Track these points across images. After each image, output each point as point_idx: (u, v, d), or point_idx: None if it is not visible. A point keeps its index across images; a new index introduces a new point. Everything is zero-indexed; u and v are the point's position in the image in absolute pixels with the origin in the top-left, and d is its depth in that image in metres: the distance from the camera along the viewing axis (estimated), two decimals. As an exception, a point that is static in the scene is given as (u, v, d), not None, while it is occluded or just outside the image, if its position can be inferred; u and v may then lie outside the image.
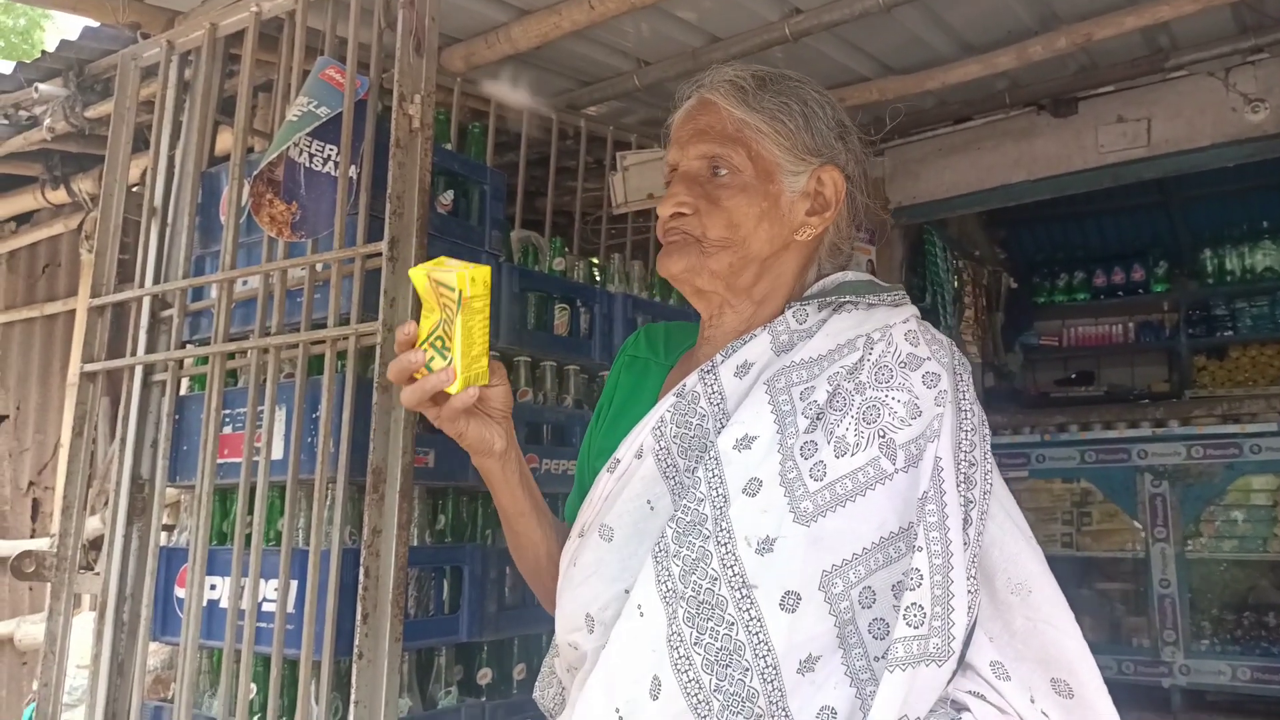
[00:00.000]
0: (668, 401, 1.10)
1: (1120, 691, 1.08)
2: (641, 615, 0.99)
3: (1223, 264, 5.87)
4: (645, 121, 3.48)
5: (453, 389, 0.99)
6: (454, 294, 0.96)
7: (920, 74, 3.13)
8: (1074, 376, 6.11)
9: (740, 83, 1.13)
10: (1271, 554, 3.88)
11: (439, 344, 0.99)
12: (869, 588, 0.97)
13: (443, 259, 1.00)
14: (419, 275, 0.99)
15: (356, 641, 1.72)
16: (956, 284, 4.60)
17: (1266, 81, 3.33)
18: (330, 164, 1.93)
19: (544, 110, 3.08)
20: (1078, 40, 2.85)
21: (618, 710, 0.97)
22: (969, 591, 0.96)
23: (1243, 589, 4.05)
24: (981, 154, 3.81)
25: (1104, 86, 3.53)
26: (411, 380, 1.01)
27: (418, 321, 1.01)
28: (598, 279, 2.99)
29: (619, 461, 1.11)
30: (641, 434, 1.10)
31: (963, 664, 0.99)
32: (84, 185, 3.74)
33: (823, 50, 3.02)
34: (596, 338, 2.66)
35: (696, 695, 0.95)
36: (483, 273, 0.97)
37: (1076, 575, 4.14)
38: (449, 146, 2.47)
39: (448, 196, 2.20)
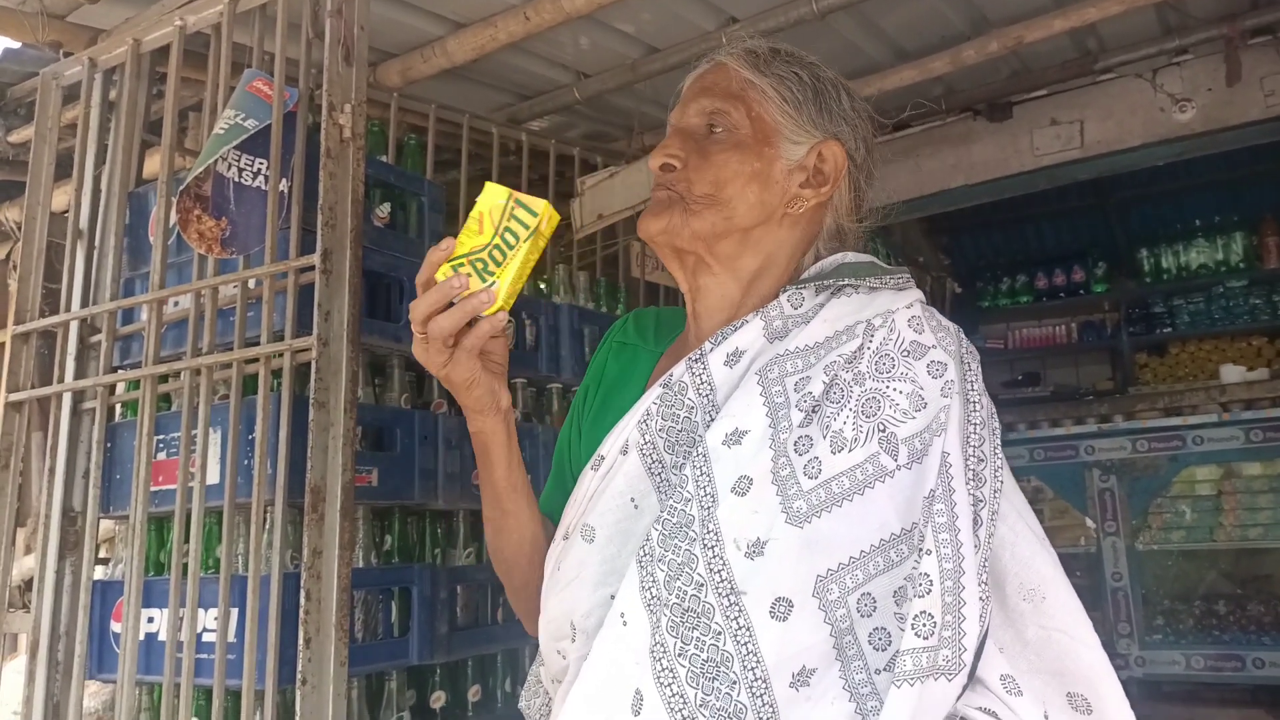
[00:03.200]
0: (654, 393, 1.03)
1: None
2: (625, 624, 0.92)
3: (1159, 263, 6.02)
4: (588, 135, 3.47)
5: (489, 310, 0.93)
6: (532, 221, 0.94)
7: (856, 81, 3.16)
8: (1020, 378, 6.20)
9: (755, 49, 1.10)
10: (1219, 543, 3.95)
11: (480, 265, 0.94)
12: (868, 594, 0.89)
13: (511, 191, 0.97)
14: (498, 192, 0.96)
15: (300, 667, 1.66)
16: (902, 290, 4.64)
17: (1192, 81, 3.42)
18: (260, 177, 1.89)
19: (484, 125, 3.06)
20: (1009, 44, 2.90)
21: None
22: (980, 599, 0.89)
23: (1193, 579, 4.12)
24: (920, 160, 3.85)
25: (1037, 90, 3.59)
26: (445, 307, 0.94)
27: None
28: (544, 291, 2.96)
29: (603, 458, 1.04)
30: (627, 428, 1.03)
31: (973, 678, 0.91)
32: (10, 214, 3.63)
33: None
34: (543, 350, 2.63)
35: (681, 711, 0.88)
36: (555, 218, 0.96)
37: (1031, 573, 4.18)
38: (386, 160, 2.44)
39: (384, 209, 2.16)
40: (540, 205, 0.95)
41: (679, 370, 1.03)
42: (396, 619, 2.11)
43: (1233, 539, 3.91)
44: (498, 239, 0.95)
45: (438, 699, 2.22)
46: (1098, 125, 3.58)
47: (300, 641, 1.67)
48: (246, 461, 1.87)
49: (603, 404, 1.17)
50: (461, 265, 0.94)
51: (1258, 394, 4.11)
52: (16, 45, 2.62)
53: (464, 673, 2.31)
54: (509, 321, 0.98)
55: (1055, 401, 5.06)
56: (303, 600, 1.68)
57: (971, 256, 6.51)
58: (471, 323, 0.95)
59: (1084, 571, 4.11)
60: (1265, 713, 3.79)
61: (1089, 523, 4.08)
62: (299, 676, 1.66)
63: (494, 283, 0.93)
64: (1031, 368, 6.46)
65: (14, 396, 2.22)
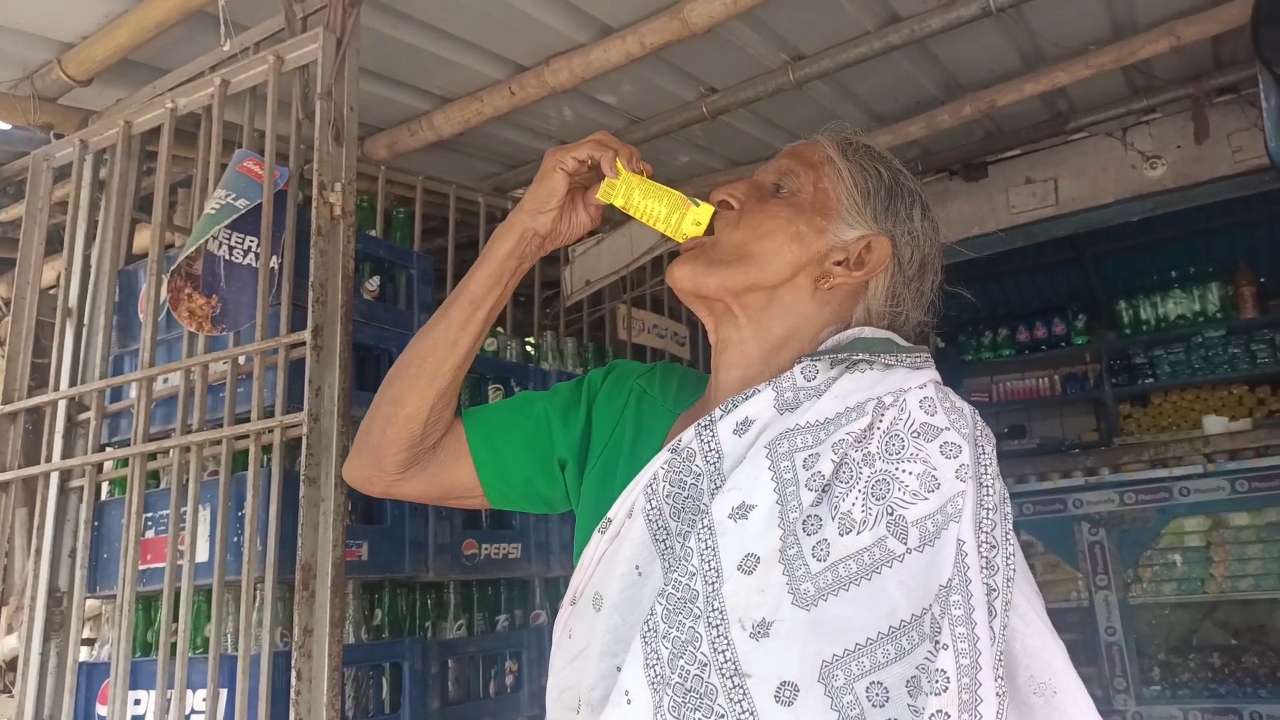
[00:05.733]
0: (662, 457, 1.03)
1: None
2: (629, 702, 0.90)
3: (1138, 314, 6.10)
4: (572, 201, 3.51)
5: (607, 178, 1.10)
6: (691, 202, 1.11)
7: (835, 145, 3.23)
8: (1006, 431, 6.24)
9: (851, 139, 1.17)
10: (1210, 595, 3.95)
11: (649, 179, 1.12)
12: (879, 683, 0.87)
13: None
14: (704, 212, 1.13)
15: (291, 750, 1.64)
16: (886, 346, 4.68)
17: (1161, 139, 3.51)
18: (251, 255, 1.91)
19: (471, 195, 3.10)
20: (982, 107, 2.98)
21: None
22: (997, 695, 0.87)
23: (1186, 631, 4.11)
24: (900, 219, 3.91)
25: (1011, 150, 3.68)
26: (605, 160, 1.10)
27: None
28: (532, 357, 2.98)
29: (610, 522, 1.03)
30: (634, 492, 1.03)
31: None
32: (-3, 290, 3.63)
33: (739, 127, 3.11)
34: (532, 417, 2.64)
35: None
36: (699, 230, 1.12)
37: (1025, 628, 4.15)
38: (374, 233, 2.46)
39: (374, 283, 2.18)
40: (703, 204, 1.12)
41: (688, 436, 1.03)
42: (388, 695, 2.08)
43: (1224, 590, 3.91)
44: (672, 197, 1.12)
45: (430, 776, 2.18)
46: (1071, 183, 3.66)
47: (291, 723, 1.64)
48: (236, 539, 1.86)
49: (614, 452, 1.16)
50: (644, 174, 1.12)
51: (1241, 444, 4.14)
52: (7, 127, 2.65)
53: (456, 748, 2.27)
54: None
55: (1042, 455, 5.08)
56: (294, 680, 1.66)
57: (953, 310, 6.57)
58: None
59: (1077, 626, 4.09)
60: (1265, 766, 3.76)
61: (1079, 575, 4.07)
62: (290, 759, 1.64)
63: (625, 178, 1.10)
64: (1017, 420, 6.51)
65: (1, 476, 2.21)
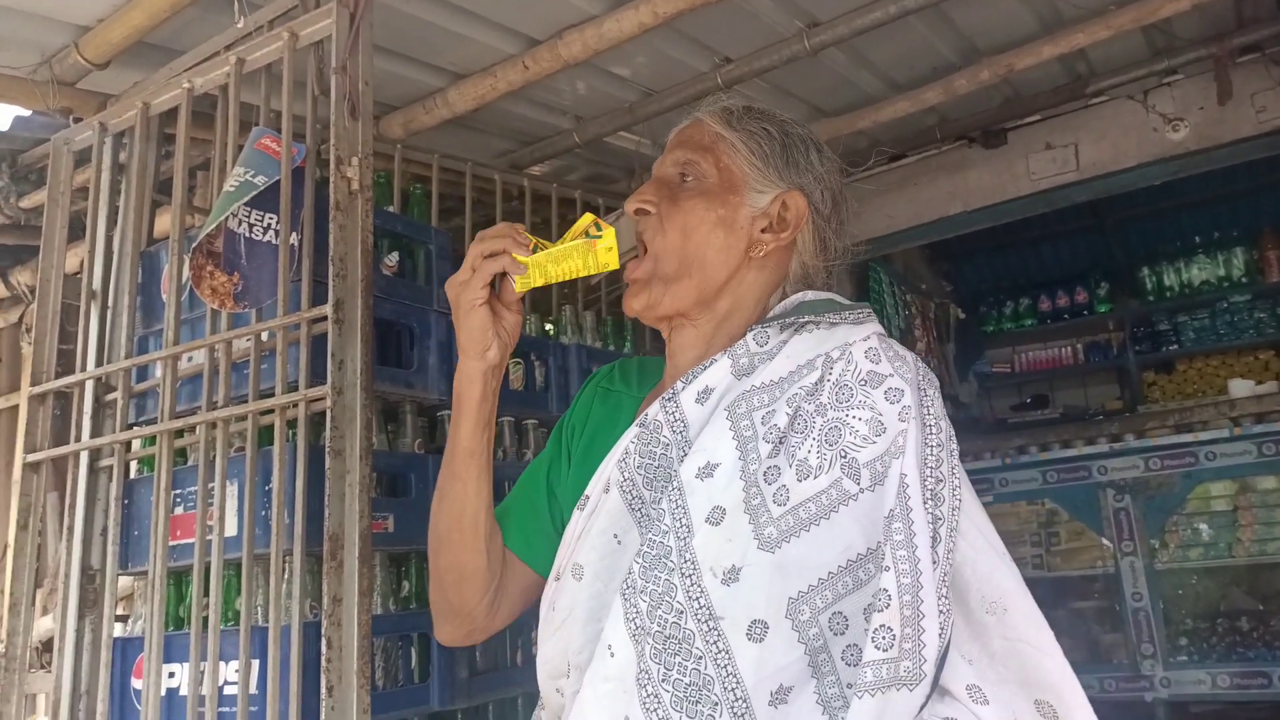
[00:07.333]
0: (631, 432, 1.10)
1: (1104, 710, 1.05)
2: (612, 655, 0.97)
3: (1161, 280, 6.03)
4: (588, 178, 3.51)
5: (520, 277, 1.09)
6: (597, 237, 1.09)
7: (851, 114, 3.21)
8: (1029, 400, 6.20)
9: (730, 107, 1.21)
10: (1238, 559, 3.93)
11: (543, 242, 1.10)
12: (839, 613, 0.94)
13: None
14: (585, 217, 1.11)
15: (322, 717, 1.66)
16: (906, 318, 4.68)
17: (1183, 101, 3.46)
18: (270, 232, 1.92)
19: (487, 172, 3.10)
20: (1000, 72, 2.95)
21: None
22: (940, 612, 0.94)
23: (1214, 596, 4.09)
24: (918, 189, 3.89)
25: (1030, 116, 3.64)
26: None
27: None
28: (550, 332, 2.99)
29: (588, 498, 1.10)
30: (608, 468, 1.10)
31: (939, 688, 0.96)
32: (22, 278, 3.68)
33: (754, 97, 3.08)
34: (553, 390, 2.65)
35: None
36: (613, 255, 1.09)
37: (1050, 596, 4.14)
38: (392, 210, 2.47)
39: (393, 258, 2.19)
40: (603, 228, 1.10)
41: (654, 409, 1.10)
42: (416, 665, 2.10)
43: (1251, 554, 3.88)
44: (566, 244, 1.10)
45: (460, 745, 2.21)
46: (1092, 148, 3.62)
47: (323, 690, 1.67)
48: (264, 512, 1.88)
49: (588, 448, 1.22)
50: (535, 242, 1.11)
51: (1268, 407, 4.10)
52: (27, 113, 2.68)
53: (485, 717, 2.30)
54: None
55: (1065, 423, 5.05)
56: (324, 649, 1.68)
57: (974, 281, 6.54)
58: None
59: (1103, 593, 4.08)
60: (1295, 730, 3.75)
61: (1105, 542, 4.05)
62: (322, 726, 1.66)
63: (535, 247, 1.09)
64: (1039, 390, 6.46)
65: (32, 457, 2.24)
